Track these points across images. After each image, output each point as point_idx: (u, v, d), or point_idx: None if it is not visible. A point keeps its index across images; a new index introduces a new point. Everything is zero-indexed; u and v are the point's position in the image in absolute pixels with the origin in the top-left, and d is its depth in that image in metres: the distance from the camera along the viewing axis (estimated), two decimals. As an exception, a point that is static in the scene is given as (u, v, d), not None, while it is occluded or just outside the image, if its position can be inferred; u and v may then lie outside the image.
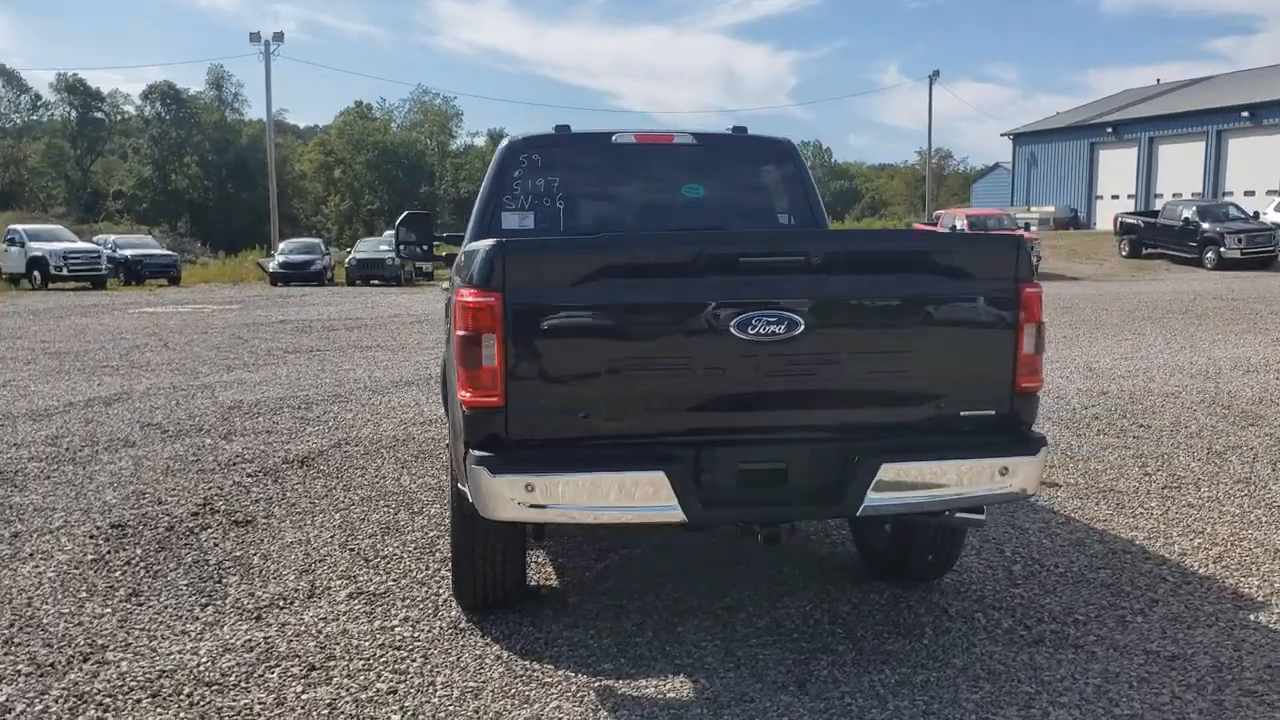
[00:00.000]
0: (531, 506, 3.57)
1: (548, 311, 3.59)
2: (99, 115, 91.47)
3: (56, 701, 3.70)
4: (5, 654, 4.11)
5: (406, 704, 3.70)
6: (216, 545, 5.50)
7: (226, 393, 10.40)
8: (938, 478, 3.76)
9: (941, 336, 3.84)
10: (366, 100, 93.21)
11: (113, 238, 38.84)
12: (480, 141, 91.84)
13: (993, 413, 3.88)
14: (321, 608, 4.63)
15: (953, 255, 3.90)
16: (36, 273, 31.10)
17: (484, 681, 3.88)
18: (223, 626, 4.41)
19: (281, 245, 37.00)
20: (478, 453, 3.60)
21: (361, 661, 4.05)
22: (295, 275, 33.43)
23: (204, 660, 4.06)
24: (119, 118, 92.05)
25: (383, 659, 4.08)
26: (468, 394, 3.62)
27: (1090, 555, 5.27)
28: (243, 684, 3.86)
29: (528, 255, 3.63)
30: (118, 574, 5.05)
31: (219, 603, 4.69)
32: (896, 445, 3.77)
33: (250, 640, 4.25)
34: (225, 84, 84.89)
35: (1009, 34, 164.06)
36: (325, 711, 3.64)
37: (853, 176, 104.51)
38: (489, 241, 3.63)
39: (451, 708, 3.67)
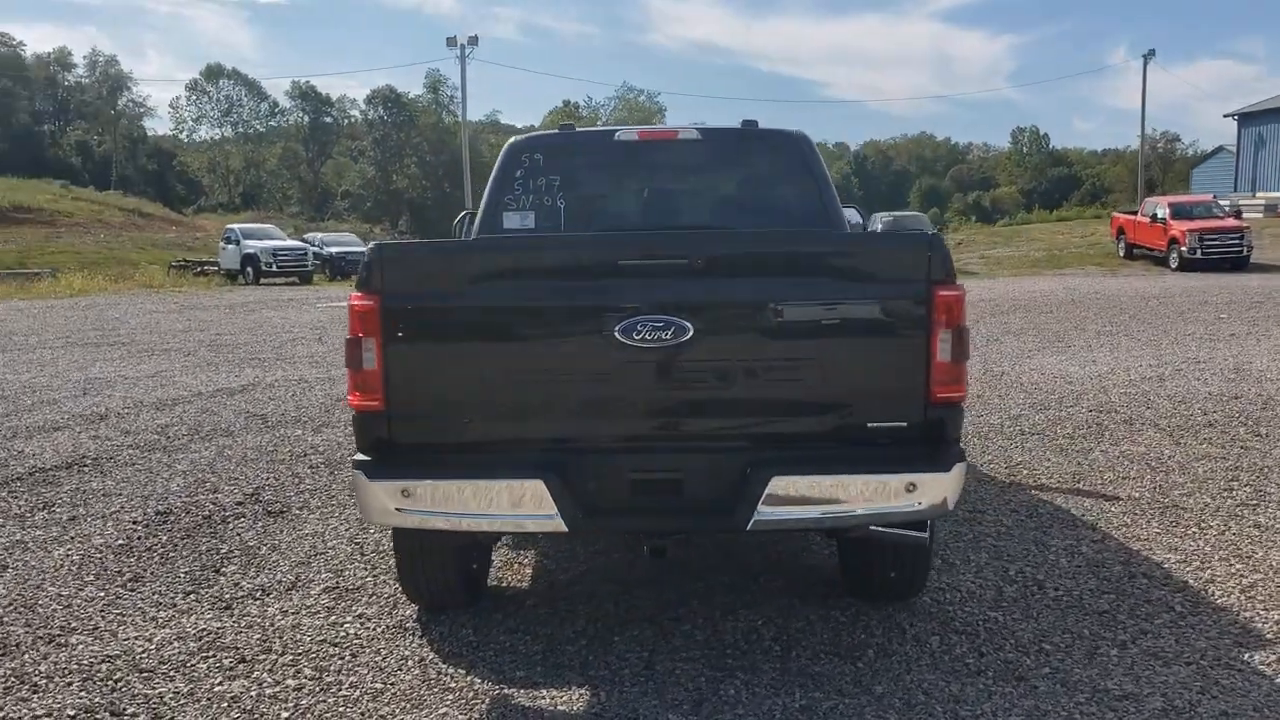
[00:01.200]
0: (408, 512, 3.57)
1: (427, 315, 3.58)
2: (328, 120, 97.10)
3: (-4, 680, 3.95)
4: (-14, 632, 4.42)
5: (303, 702, 3.77)
6: (238, 535, 5.75)
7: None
8: (833, 493, 3.53)
9: (844, 343, 3.61)
10: (574, 99, 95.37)
11: (320, 235, 41.16)
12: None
13: (904, 424, 3.62)
14: (292, 600, 4.77)
15: (855, 256, 3.66)
16: (249, 269, 33.33)
17: (391, 684, 3.91)
18: (190, 615, 4.61)
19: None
20: (358, 456, 3.63)
21: (291, 656, 4.15)
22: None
23: (151, 648, 4.25)
24: (346, 121, 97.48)
25: (312, 655, 4.17)
26: (353, 397, 3.65)
27: (1103, 579, 4.85)
28: (170, 673, 4.02)
29: (404, 259, 3.64)
30: (133, 560, 5.34)
31: (201, 591, 4.90)
32: (790, 458, 3.57)
33: (205, 630, 4.42)
34: (441, 87, 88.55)
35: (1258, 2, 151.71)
36: (225, 704, 3.76)
37: (1072, 163, 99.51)
38: (371, 245, 3.64)
39: (343, 709, 3.71)
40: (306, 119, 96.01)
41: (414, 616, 4.54)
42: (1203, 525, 5.60)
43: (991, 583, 4.82)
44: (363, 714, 3.67)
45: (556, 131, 5.80)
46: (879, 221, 30.13)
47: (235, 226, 36.00)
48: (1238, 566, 4.97)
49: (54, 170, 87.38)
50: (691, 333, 3.50)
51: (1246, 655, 4.01)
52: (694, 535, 4.00)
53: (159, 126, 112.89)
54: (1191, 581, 4.80)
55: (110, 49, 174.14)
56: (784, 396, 3.64)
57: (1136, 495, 6.21)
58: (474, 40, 46.51)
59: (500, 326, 3.60)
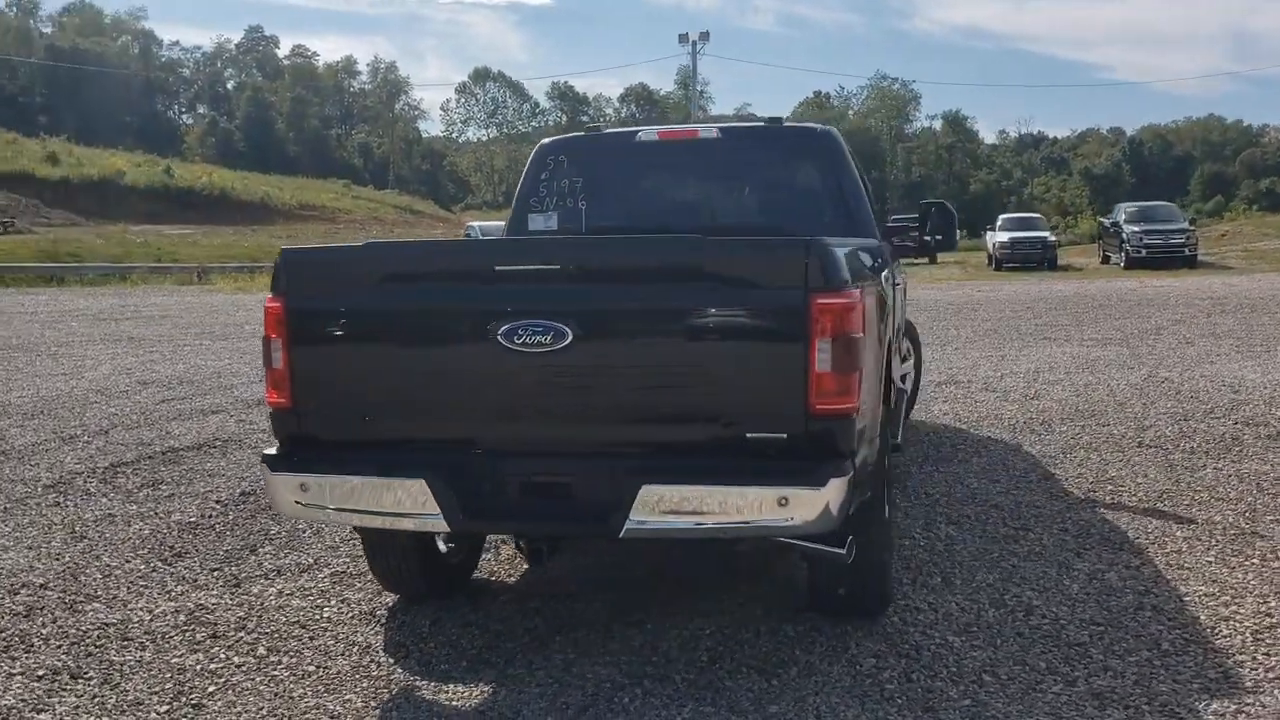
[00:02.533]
0: (307, 506, 3.75)
1: (326, 317, 3.75)
2: (585, 119, 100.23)
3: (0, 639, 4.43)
4: (25, 597, 4.93)
5: (234, 679, 4.02)
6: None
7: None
8: (701, 504, 3.44)
9: (721, 352, 3.52)
10: (825, 90, 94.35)
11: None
12: (938, 125, 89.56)
13: (784, 436, 3.48)
14: (298, 582, 5.07)
15: (730, 263, 3.53)
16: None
17: (323, 668, 4.11)
18: (200, 591, 4.98)
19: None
20: (267, 451, 3.84)
21: (256, 635, 4.43)
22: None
23: (147, 619, 4.64)
24: (601, 120, 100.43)
25: (276, 635, 4.43)
26: (268, 395, 3.87)
27: (1108, 609, 4.47)
28: (145, 643, 4.37)
29: (305, 262, 3.82)
30: (191, 537, 5.80)
31: (226, 569, 5.28)
32: (662, 467, 3.51)
33: (201, 605, 4.78)
34: (691, 83, 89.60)
35: None
36: (169, 674, 4.06)
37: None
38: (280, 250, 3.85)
39: (263, 687, 3.94)
40: (565, 119, 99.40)
41: (390, 604, 4.74)
42: (1268, 558, 5.04)
43: (977, 605, 4.54)
44: (275, 693, 3.89)
45: (582, 134, 5.87)
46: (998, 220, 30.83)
47: (475, 224, 37.82)
48: (1273, 604, 4.46)
49: (339, 171, 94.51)
50: (571, 338, 3.50)
51: (1204, 704, 3.61)
52: (573, 540, 3.97)
53: (431, 128, 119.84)
54: (1204, 618, 4.35)
55: (393, 56, 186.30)
56: (662, 404, 3.58)
57: (1217, 520, 5.65)
58: (705, 36, 46.96)
59: (393, 330, 3.73)
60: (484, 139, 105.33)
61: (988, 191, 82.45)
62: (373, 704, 3.79)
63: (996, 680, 3.84)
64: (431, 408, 3.73)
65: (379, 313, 3.71)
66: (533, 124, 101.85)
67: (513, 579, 5.10)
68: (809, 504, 3.39)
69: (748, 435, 3.50)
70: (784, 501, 3.39)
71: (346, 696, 3.86)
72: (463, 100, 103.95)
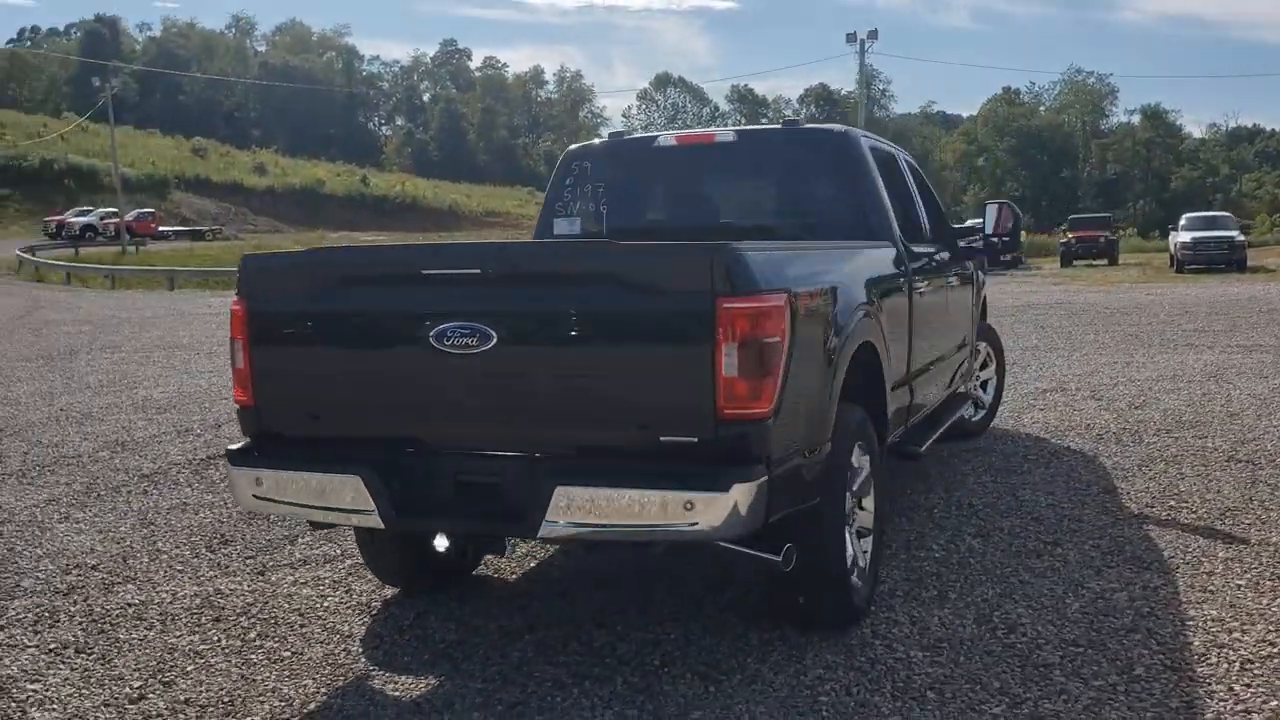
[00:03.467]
0: (261, 499, 3.96)
1: (279, 319, 3.95)
2: (764, 120, 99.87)
3: (28, 612, 4.82)
4: (72, 576, 5.34)
5: (214, 660, 4.26)
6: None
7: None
8: (614, 506, 3.46)
9: (633, 356, 3.53)
10: (1015, 85, 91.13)
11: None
12: (1136, 119, 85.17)
13: (695, 440, 3.47)
14: (318, 573, 5.31)
15: (640, 268, 3.53)
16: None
17: (298, 654, 4.31)
18: (226, 578, 5.28)
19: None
20: (230, 447, 4.07)
21: (252, 621, 4.68)
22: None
23: (165, 601, 4.96)
24: (780, 121, 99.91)
25: (271, 621, 4.67)
26: (235, 393, 4.10)
27: (1097, 630, 4.27)
28: (153, 623, 4.68)
29: (264, 268, 4.02)
30: (245, 526, 6.14)
31: (260, 558, 5.58)
32: (577, 468, 3.55)
33: (219, 591, 5.08)
34: (874, 82, 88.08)
35: None
36: (160, 653, 4.34)
37: None
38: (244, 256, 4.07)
39: (236, 670, 4.16)
40: (743, 122, 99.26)
41: (388, 596, 4.92)
42: (1308, 581, 4.69)
43: (960, 621, 4.39)
44: (242, 675, 4.11)
45: (605, 140, 5.93)
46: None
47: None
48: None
49: (524, 178, 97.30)
50: (495, 340, 3.59)
51: (1142, 734, 3.40)
52: (497, 538, 4.03)
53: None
54: (1197, 644, 4.09)
55: (583, 65, 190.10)
56: (580, 407, 3.62)
57: (1274, 541, 5.28)
58: (874, 35, 46.00)
59: (337, 332, 3.89)
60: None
61: (1190, 189, 77.91)
62: (324, 690, 3.97)
63: (939, 698, 3.71)
64: (372, 407, 3.88)
65: (325, 315, 3.88)
66: (711, 127, 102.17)
67: (514, 576, 5.21)
68: (714, 508, 3.37)
69: (661, 439, 3.50)
70: (690, 505, 3.38)
71: (304, 682, 4.05)
72: (644, 106, 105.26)
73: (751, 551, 3.74)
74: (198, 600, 4.95)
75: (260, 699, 3.91)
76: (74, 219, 56.62)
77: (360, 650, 4.34)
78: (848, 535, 4.30)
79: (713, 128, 5.79)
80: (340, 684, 4.03)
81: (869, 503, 4.55)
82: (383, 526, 3.79)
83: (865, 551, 4.51)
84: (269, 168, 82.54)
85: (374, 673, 4.12)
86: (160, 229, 58.18)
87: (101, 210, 57.53)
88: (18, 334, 18.80)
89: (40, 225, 58.30)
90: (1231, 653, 4.00)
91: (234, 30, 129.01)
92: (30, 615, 4.79)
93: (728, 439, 3.44)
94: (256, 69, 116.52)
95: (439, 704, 3.81)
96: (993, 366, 8.03)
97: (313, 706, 3.85)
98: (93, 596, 5.03)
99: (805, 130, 5.49)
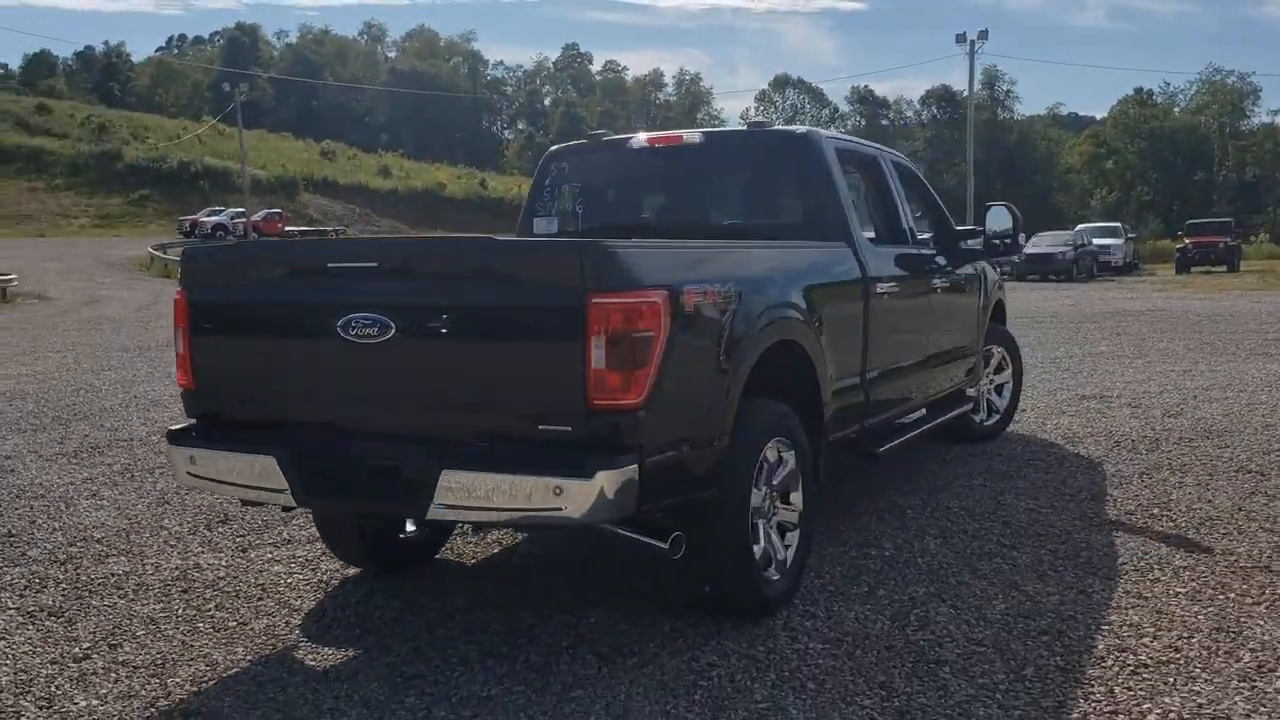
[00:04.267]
0: (196, 477, 4.25)
1: (213, 309, 4.24)
2: (884, 123, 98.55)
3: (22, 578, 5.22)
4: (75, 548, 5.74)
5: (165, 627, 4.56)
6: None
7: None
8: (489, 491, 3.64)
9: (512, 348, 3.70)
10: (1148, 86, 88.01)
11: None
12: (1279, 120, 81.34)
13: (569, 429, 3.62)
14: (293, 551, 5.58)
15: (519, 264, 3.71)
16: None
17: (241, 624, 4.59)
18: (212, 553, 5.60)
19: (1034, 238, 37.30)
20: (171, 427, 4.37)
21: (215, 593, 4.97)
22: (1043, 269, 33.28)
23: (147, 574, 5.29)
24: (901, 123, 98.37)
25: (233, 594, 4.96)
26: (178, 377, 4.40)
27: (1008, 631, 4.28)
28: (129, 593, 5.01)
29: (199, 261, 4.31)
30: (248, 509, 6.47)
31: (252, 536, 5.89)
32: (462, 454, 3.73)
33: (199, 565, 5.39)
34: (998, 83, 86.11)
35: None
36: (119, 619, 4.66)
37: None
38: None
39: (180, 637, 4.44)
40: (863, 123, 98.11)
41: (346, 574, 5.17)
42: (1251, 595, 4.61)
43: (877, 617, 4.44)
44: (184, 642, 4.39)
45: (584, 142, 6.09)
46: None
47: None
48: (1195, 640, 4.10)
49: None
50: (394, 331, 3.80)
51: (1000, 729, 3.43)
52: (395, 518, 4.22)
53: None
54: (1101, 648, 4.09)
55: (706, 67, 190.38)
56: (468, 395, 3.80)
57: (1240, 551, 5.20)
58: (984, 35, 45.08)
59: (260, 320, 4.16)
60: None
61: (1341, 193, 74.00)
62: (250, 658, 4.23)
63: (818, 688, 3.78)
64: (288, 392, 4.14)
65: (250, 306, 4.16)
66: (831, 129, 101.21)
67: (473, 561, 5.42)
68: (580, 495, 3.52)
69: (539, 427, 3.67)
70: (558, 491, 3.53)
71: (236, 650, 4.31)
72: (761, 108, 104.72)
73: (640, 538, 3.88)
74: (175, 574, 5.27)
75: (189, 662, 4.19)
76: (206, 218, 59.12)
77: (300, 623, 4.60)
78: (762, 528, 4.39)
79: (682, 130, 5.88)
80: (268, 653, 4.28)
81: (796, 498, 4.63)
82: (295, 505, 4.03)
83: (789, 546, 4.59)
84: (393, 170, 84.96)
85: (302, 644, 4.37)
86: (287, 229, 60.35)
87: (232, 210, 59.97)
88: (127, 327, 19.84)
89: (176, 224, 61.09)
90: (1132, 657, 3.97)
91: (365, 37, 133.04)
92: (23, 581, 5.18)
93: (598, 428, 3.59)
94: (386, 74, 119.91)
95: (345, 674, 4.03)
96: (1009, 370, 7.94)
97: (234, 671, 4.11)
98: (84, 567, 5.40)
99: (768, 132, 5.56)
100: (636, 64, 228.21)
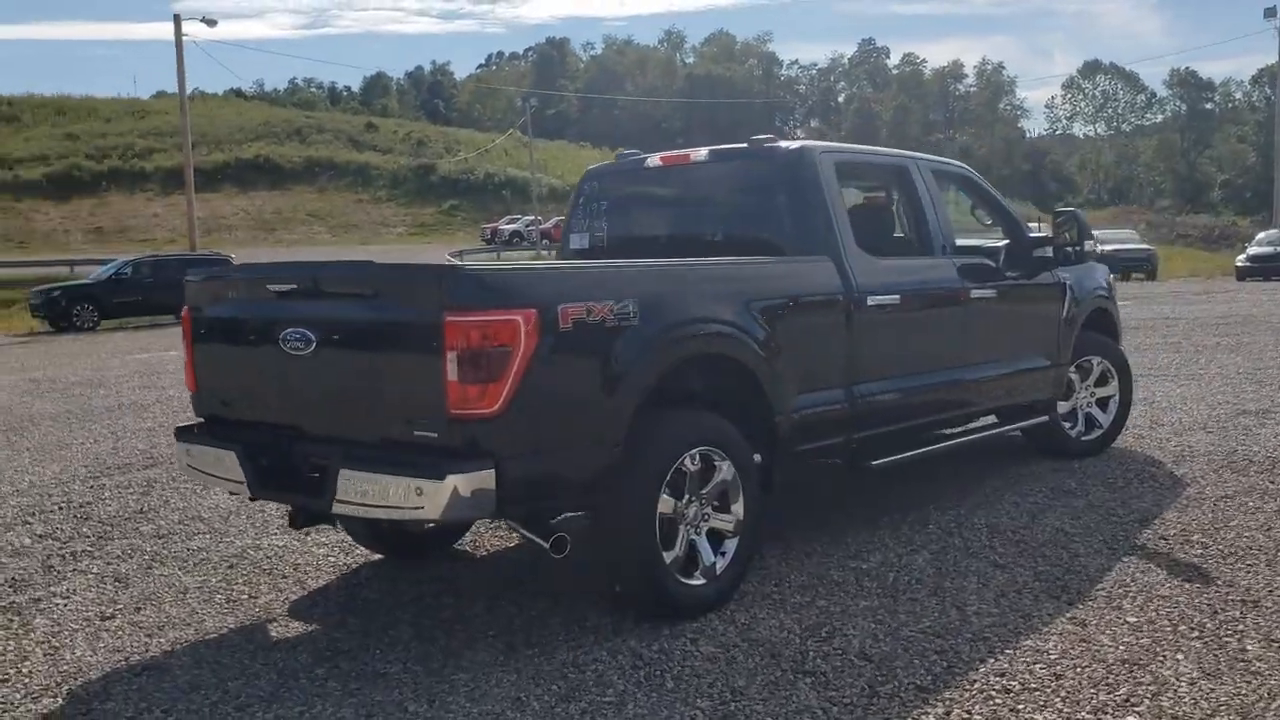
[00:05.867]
0: (192, 468, 4.95)
1: (203, 323, 4.93)
2: (1209, 106, 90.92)
3: (119, 550, 6.15)
4: (183, 523, 6.67)
5: (188, 597, 5.30)
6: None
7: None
8: (370, 489, 4.09)
9: (393, 360, 4.13)
10: None
11: (1108, 231, 39.53)
12: None
13: (435, 435, 4.01)
14: (344, 536, 6.24)
15: (393, 285, 4.11)
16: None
17: (247, 598, 5.27)
18: (281, 535, 6.35)
19: (1259, 235, 33.99)
20: (179, 424, 5.10)
21: (257, 571, 5.68)
22: (1266, 270, 30.57)
23: (216, 550, 6.07)
24: (1229, 106, 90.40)
25: (262, 569, 5.65)
26: (187, 381, 5.13)
27: (908, 650, 4.28)
28: (194, 567, 5.82)
29: (195, 281, 4.99)
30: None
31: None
32: (356, 455, 4.19)
33: (265, 545, 6.12)
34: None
35: None
36: (167, 587, 5.45)
37: None
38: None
39: (148, 589, 5.19)
40: (1184, 107, 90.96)
41: (370, 559, 5.78)
42: (1188, 624, 4.35)
43: (795, 625, 4.54)
44: (193, 610, 5.09)
45: (613, 162, 6.40)
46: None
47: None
48: (1102, 672, 3.96)
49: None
50: (315, 344, 4.34)
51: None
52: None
53: (1035, 127, 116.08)
54: (986, 669, 4.02)
55: (1016, 54, 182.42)
56: (367, 402, 4.26)
57: (1243, 584, 4.85)
58: (1294, 7, 40.64)
59: (232, 333, 4.80)
60: (1091, 134, 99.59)
61: None
62: (234, 626, 4.87)
63: (675, 688, 3.97)
64: (250, 396, 4.76)
65: (225, 321, 4.81)
66: (1145, 116, 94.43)
67: (483, 553, 5.88)
68: (436, 495, 3.91)
69: (415, 433, 4.08)
70: (419, 492, 3.94)
71: (229, 619, 4.97)
72: (1069, 96, 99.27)
73: (532, 536, 4.22)
74: (236, 551, 6.03)
75: (184, 627, 4.85)
76: (504, 226, 63.09)
77: (295, 599, 5.22)
78: (683, 534, 4.60)
79: (690, 149, 6.07)
80: (249, 622, 4.92)
81: (738, 507, 4.79)
82: (251, 496, 4.64)
83: (725, 554, 4.76)
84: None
85: (281, 617, 4.98)
86: (575, 233, 63.17)
87: (526, 218, 63.61)
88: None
89: (479, 232, 65.54)
90: (1005, 681, 3.92)
91: (665, 44, 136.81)
92: (118, 551, 6.09)
93: (457, 435, 3.97)
94: (682, 80, 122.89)
95: (289, 645, 4.60)
96: (1113, 383, 7.53)
97: (212, 637, 4.75)
98: (173, 542, 6.23)
99: (762, 149, 5.64)
100: (937, 55, 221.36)
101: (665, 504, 4.51)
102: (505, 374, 3.94)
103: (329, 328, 4.31)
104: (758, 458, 4.90)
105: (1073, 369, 7.32)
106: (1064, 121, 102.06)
